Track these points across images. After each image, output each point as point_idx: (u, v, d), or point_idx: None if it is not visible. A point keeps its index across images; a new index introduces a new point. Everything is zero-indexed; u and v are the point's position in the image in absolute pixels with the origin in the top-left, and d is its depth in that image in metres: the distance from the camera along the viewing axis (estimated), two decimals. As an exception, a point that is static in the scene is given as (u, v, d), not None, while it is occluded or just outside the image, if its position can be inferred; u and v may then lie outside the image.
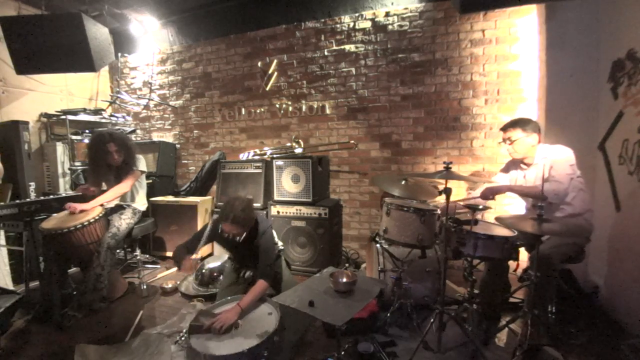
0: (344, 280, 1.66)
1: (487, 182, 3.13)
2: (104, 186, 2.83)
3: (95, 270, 2.42)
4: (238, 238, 2.04)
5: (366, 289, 1.65)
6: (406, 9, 3.29)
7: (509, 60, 3.01)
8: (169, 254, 3.72)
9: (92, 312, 2.44)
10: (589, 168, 2.46)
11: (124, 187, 2.69)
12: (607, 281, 2.38)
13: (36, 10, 3.78)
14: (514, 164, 2.34)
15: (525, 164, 2.23)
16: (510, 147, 2.19)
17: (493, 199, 2.13)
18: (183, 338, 2.01)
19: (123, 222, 2.69)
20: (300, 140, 3.76)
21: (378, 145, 3.53)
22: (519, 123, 2.17)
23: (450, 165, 1.90)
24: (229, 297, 1.96)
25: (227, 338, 1.59)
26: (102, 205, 2.60)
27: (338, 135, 3.67)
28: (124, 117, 4.44)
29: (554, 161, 2.05)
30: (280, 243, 2.54)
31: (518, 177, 2.29)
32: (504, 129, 2.22)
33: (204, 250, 3.59)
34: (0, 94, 3.54)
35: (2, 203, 2.47)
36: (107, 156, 2.65)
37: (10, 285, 2.80)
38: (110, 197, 2.65)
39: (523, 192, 2.18)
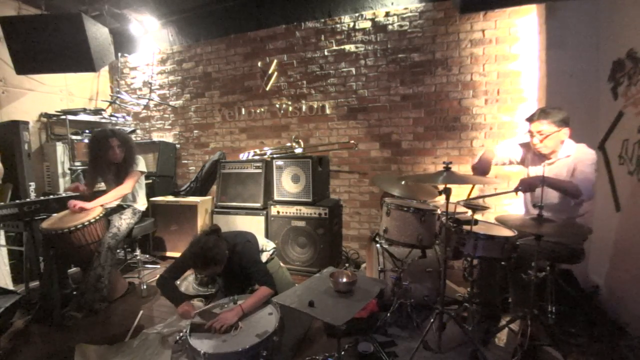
0: (344, 280, 1.66)
1: (486, 182, 3.14)
2: (102, 185, 2.83)
3: (95, 271, 2.42)
4: (218, 272, 2.01)
5: (366, 289, 1.65)
6: (406, 9, 3.29)
7: (509, 60, 3.01)
8: (169, 254, 3.72)
9: (93, 312, 2.44)
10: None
11: (125, 188, 2.69)
12: (607, 281, 2.38)
13: (36, 10, 3.78)
14: (533, 156, 2.17)
15: (548, 157, 2.09)
16: (540, 143, 2.02)
17: (532, 190, 1.98)
18: (183, 337, 2.01)
19: (123, 222, 2.69)
20: (300, 140, 3.76)
21: (378, 145, 3.53)
22: (551, 115, 1.98)
23: (450, 165, 1.90)
24: (232, 297, 1.95)
25: (226, 337, 1.59)
26: (102, 205, 2.60)
27: (338, 135, 3.67)
28: (124, 117, 4.44)
29: (578, 160, 1.98)
30: (270, 245, 2.52)
31: (537, 172, 2.12)
32: (532, 119, 2.04)
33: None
34: (0, 94, 3.54)
35: (2, 203, 2.47)
36: (109, 151, 2.66)
37: (10, 285, 2.80)
38: (111, 198, 2.65)
39: (558, 186, 1.92)
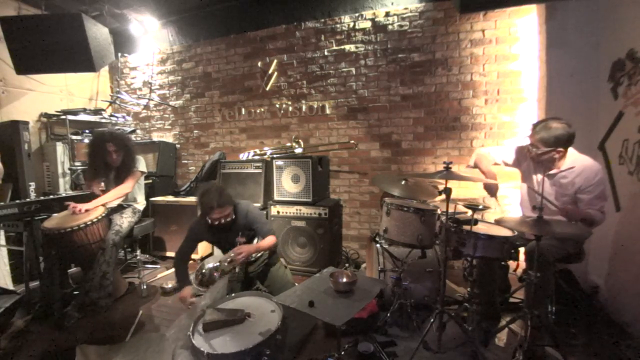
0: (344, 280, 1.66)
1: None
2: (103, 186, 2.83)
3: (101, 267, 2.42)
4: (229, 219, 2.21)
5: (366, 289, 1.65)
6: (406, 9, 3.29)
7: (509, 60, 3.01)
8: (169, 254, 3.72)
9: (98, 310, 2.43)
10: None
11: (126, 187, 2.69)
12: (607, 281, 2.38)
13: (36, 10, 3.78)
14: (531, 162, 2.14)
15: (546, 165, 2.05)
16: (535, 155, 2.01)
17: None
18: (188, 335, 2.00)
19: (125, 220, 2.69)
20: (300, 140, 3.76)
21: (378, 145, 3.53)
22: (542, 133, 1.94)
23: (450, 165, 1.90)
24: (232, 295, 1.96)
25: (230, 336, 1.58)
26: (104, 205, 2.60)
27: (338, 135, 3.67)
28: (124, 117, 4.44)
29: (585, 179, 1.94)
30: None
31: (537, 179, 2.12)
32: (534, 129, 1.99)
33: (203, 250, 3.59)
34: (0, 94, 3.54)
35: (2, 203, 2.47)
36: (106, 156, 2.66)
37: (10, 285, 2.80)
38: (112, 197, 2.65)
39: (576, 218, 1.92)
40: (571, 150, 2.02)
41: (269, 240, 2.26)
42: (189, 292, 2.11)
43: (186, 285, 2.18)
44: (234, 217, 2.25)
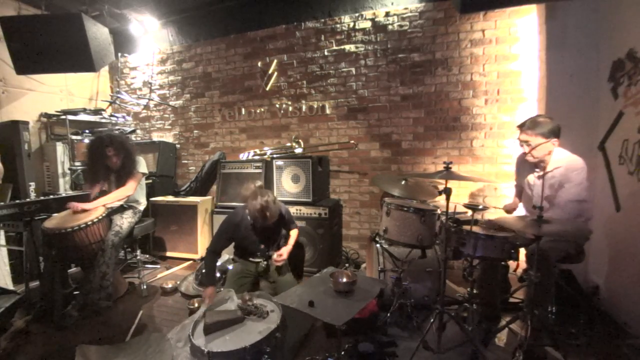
0: (344, 280, 1.66)
1: (487, 182, 3.15)
2: (106, 186, 2.84)
3: (100, 269, 2.42)
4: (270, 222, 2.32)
5: (366, 289, 1.65)
6: (406, 9, 3.29)
7: (509, 60, 3.01)
8: (169, 254, 3.73)
9: (99, 311, 2.43)
10: (589, 168, 2.44)
11: (128, 190, 2.69)
12: (607, 281, 2.38)
13: (36, 10, 3.78)
14: (526, 164, 2.19)
15: (538, 167, 2.11)
16: (528, 153, 2.06)
17: None
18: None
19: (125, 221, 2.69)
20: (300, 140, 3.76)
21: (378, 145, 3.53)
22: (539, 126, 1.99)
23: (450, 165, 1.90)
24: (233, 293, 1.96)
25: (230, 335, 1.59)
26: (104, 206, 2.60)
27: (338, 135, 3.67)
28: (124, 117, 4.43)
29: (565, 177, 1.97)
30: None
31: (529, 180, 2.19)
32: (522, 129, 2.06)
33: (203, 251, 3.59)
34: (0, 94, 3.54)
35: (2, 203, 2.47)
36: (105, 159, 2.67)
37: (10, 285, 2.79)
38: (113, 199, 2.65)
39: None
40: (560, 151, 2.04)
41: (295, 233, 2.55)
42: (213, 292, 2.15)
43: (211, 285, 2.23)
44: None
